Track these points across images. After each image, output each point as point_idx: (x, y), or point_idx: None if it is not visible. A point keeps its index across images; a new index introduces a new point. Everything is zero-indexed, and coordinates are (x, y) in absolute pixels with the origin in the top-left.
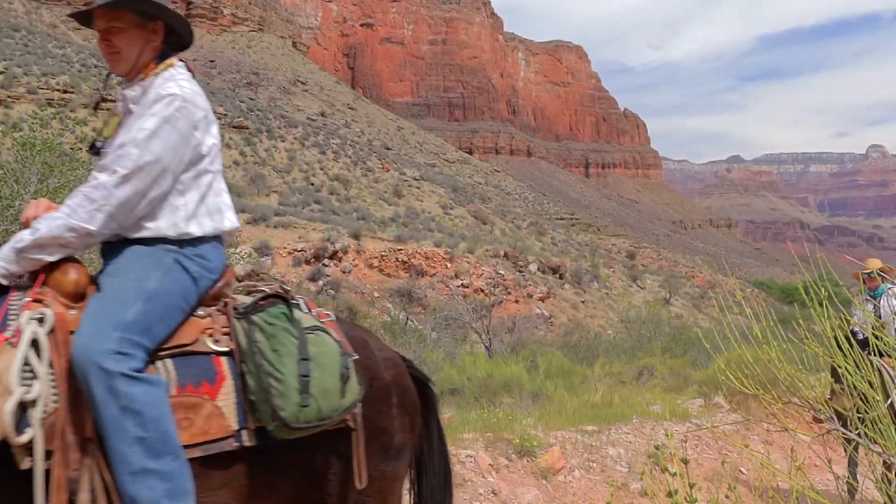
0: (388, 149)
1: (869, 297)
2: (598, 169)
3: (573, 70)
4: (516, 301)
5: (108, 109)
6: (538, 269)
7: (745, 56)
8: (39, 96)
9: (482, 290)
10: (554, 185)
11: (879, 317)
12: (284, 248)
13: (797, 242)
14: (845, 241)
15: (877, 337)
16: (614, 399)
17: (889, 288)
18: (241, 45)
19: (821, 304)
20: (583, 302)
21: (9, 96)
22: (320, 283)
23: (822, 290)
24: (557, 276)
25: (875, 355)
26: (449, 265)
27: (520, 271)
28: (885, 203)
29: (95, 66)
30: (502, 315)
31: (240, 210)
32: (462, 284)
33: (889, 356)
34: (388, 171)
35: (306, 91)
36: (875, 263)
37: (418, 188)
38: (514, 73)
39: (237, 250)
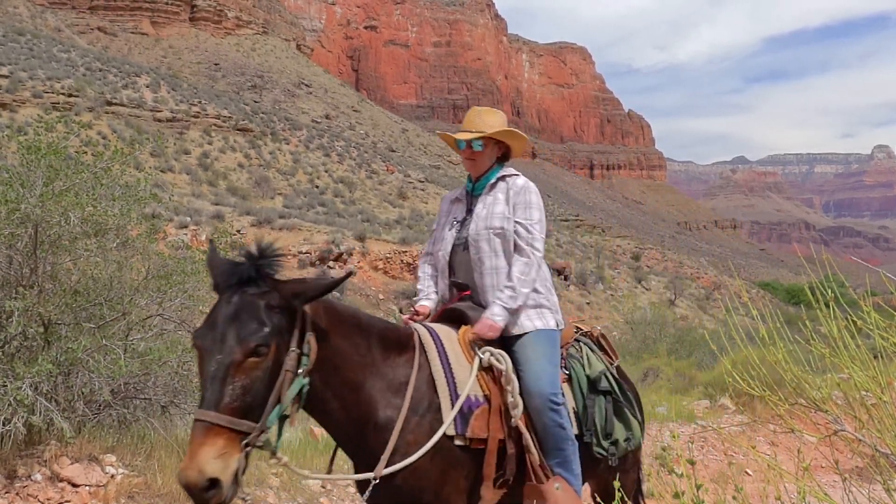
0: (393, 151)
1: (463, 196)
2: (603, 170)
3: (577, 71)
4: None
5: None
6: None
7: (751, 57)
8: (44, 100)
9: None
10: (558, 186)
11: (465, 238)
12: (289, 250)
13: (802, 243)
14: (851, 242)
15: (457, 290)
16: None
17: (505, 175)
18: (245, 48)
19: (827, 305)
20: (588, 303)
21: (14, 100)
22: None
23: (828, 291)
24: (562, 277)
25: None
26: None
27: None
28: (890, 204)
29: (100, 70)
30: None
31: (245, 212)
32: None
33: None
34: (392, 173)
35: (310, 94)
36: (487, 119)
37: (423, 190)
38: (518, 75)
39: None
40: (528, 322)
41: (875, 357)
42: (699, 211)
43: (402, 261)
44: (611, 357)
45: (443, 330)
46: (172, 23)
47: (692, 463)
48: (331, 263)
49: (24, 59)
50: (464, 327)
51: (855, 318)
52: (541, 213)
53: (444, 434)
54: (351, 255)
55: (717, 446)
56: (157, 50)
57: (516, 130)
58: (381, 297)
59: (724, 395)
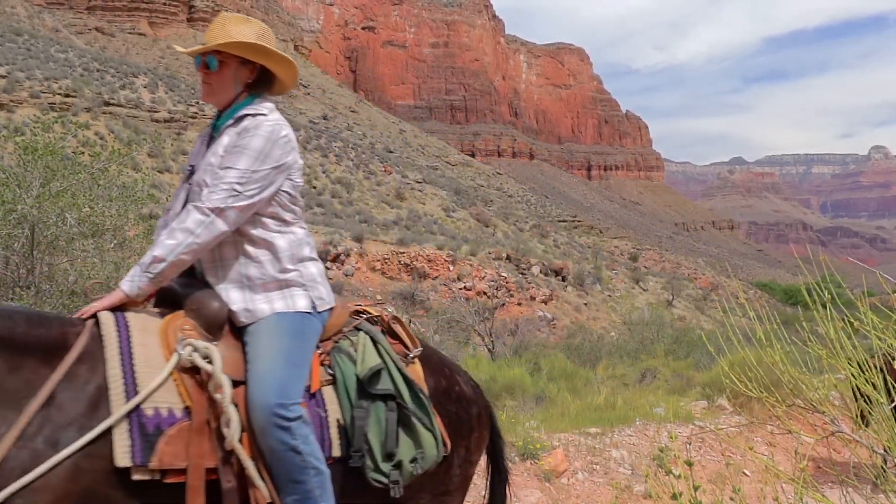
0: (391, 152)
1: (206, 136)
2: (601, 171)
3: (575, 72)
4: (519, 303)
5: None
6: (541, 271)
7: (750, 57)
8: (42, 100)
9: (485, 293)
10: (556, 187)
11: (190, 175)
12: None
13: (800, 244)
14: (848, 243)
15: None
16: (617, 401)
17: (252, 114)
18: None
19: (824, 306)
20: (585, 304)
21: (11, 100)
22: None
23: (825, 291)
24: (560, 278)
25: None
26: (451, 268)
27: (522, 273)
28: (887, 204)
29: (97, 70)
30: (505, 317)
31: None
32: (464, 287)
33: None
34: (390, 173)
35: (308, 94)
36: (231, 29)
37: (420, 191)
38: (516, 76)
39: None
40: (266, 305)
41: (871, 357)
42: (697, 211)
43: (399, 261)
44: (407, 347)
45: (138, 319)
46: (170, 23)
47: (690, 464)
48: (328, 264)
49: (22, 59)
50: (173, 314)
51: (852, 319)
52: (257, 162)
53: (113, 465)
54: (349, 255)
55: (715, 447)
56: (155, 50)
57: (272, 48)
58: (378, 297)
59: (721, 395)
